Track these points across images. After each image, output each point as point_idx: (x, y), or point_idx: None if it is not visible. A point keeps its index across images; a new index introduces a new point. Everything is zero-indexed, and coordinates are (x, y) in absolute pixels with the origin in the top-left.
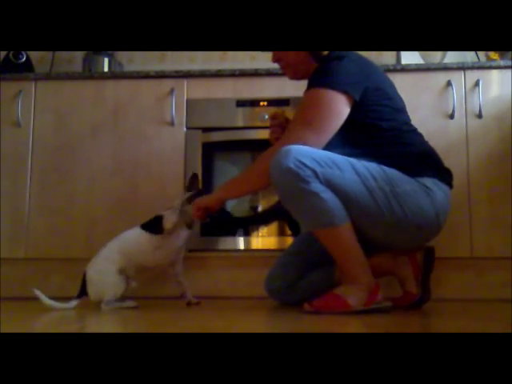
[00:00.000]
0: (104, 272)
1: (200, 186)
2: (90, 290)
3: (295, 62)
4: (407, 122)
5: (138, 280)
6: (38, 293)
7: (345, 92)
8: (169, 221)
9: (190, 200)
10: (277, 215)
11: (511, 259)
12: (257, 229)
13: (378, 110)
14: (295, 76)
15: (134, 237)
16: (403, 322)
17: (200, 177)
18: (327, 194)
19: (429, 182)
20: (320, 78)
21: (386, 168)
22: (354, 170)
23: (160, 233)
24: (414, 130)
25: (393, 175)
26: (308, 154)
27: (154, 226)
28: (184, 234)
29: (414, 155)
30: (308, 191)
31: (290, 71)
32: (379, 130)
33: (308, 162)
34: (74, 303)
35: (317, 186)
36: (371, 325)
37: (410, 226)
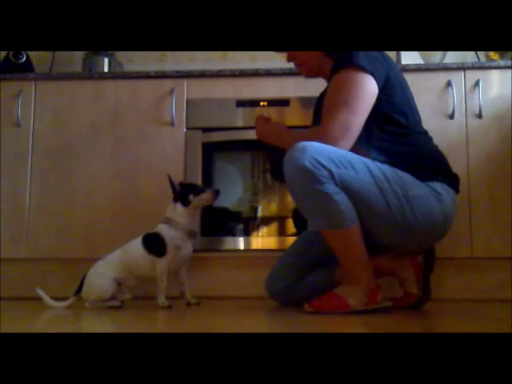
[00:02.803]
0: (101, 275)
1: (176, 183)
2: (84, 287)
3: (308, 60)
4: (419, 122)
5: (133, 291)
6: (40, 292)
7: (372, 74)
8: (159, 265)
9: (187, 194)
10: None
11: (511, 259)
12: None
13: (394, 101)
14: (309, 74)
15: (134, 250)
16: (403, 322)
17: (200, 177)
18: (340, 196)
19: (438, 186)
20: (349, 59)
21: (398, 171)
22: (368, 171)
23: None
24: (426, 133)
25: (405, 179)
26: (325, 152)
27: (151, 244)
28: (187, 247)
29: (426, 158)
30: (321, 192)
31: (304, 70)
32: (394, 124)
33: (325, 162)
34: (70, 300)
35: (331, 188)
36: (371, 325)
37: (419, 229)
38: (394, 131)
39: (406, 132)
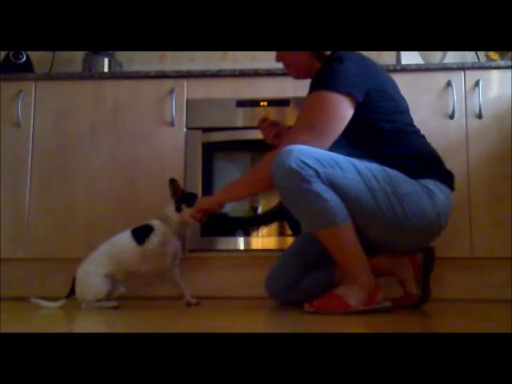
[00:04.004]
0: (90, 273)
1: (182, 188)
2: (77, 289)
3: (297, 61)
4: (410, 123)
5: (126, 285)
6: (34, 300)
7: (348, 94)
8: (151, 245)
9: (183, 202)
10: (277, 216)
11: (511, 259)
12: (257, 230)
13: (380, 111)
14: (298, 75)
15: (123, 243)
16: (403, 322)
17: (200, 177)
18: (329, 194)
19: (430, 183)
20: (322, 81)
21: (388, 169)
22: (356, 170)
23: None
24: (417, 132)
25: (395, 176)
26: (310, 153)
27: (141, 235)
28: (175, 245)
29: (416, 157)
30: (310, 191)
31: (292, 70)
32: (381, 132)
33: (310, 162)
34: (61, 302)
35: (319, 186)
36: (371, 325)
37: (411, 227)
38: (381, 136)
39: (394, 135)
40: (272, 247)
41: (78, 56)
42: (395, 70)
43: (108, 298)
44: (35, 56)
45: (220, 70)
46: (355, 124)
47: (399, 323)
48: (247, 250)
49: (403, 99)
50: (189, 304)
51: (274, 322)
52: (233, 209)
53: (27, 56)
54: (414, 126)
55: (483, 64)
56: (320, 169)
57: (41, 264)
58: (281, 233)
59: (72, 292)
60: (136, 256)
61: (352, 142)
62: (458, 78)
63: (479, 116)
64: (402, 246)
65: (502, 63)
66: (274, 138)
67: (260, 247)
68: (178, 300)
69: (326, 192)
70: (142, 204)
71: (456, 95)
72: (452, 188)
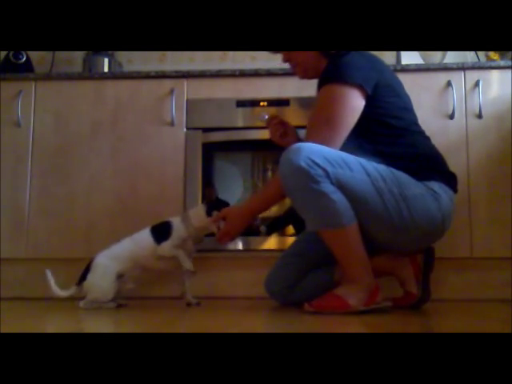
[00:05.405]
0: (107, 270)
1: (216, 195)
2: (89, 278)
3: (304, 61)
4: (415, 122)
5: (136, 282)
6: (48, 275)
7: (358, 86)
8: (162, 249)
9: (215, 208)
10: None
11: (511, 259)
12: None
13: (387, 106)
14: (305, 75)
15: (142, 239)
16: (403, 322)
17: (200, 177)
18: (337, 195)
19: (436, 186)
20: (332, 74)
21: (394, 170)
22: (364, 170)
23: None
24: (422, 133)
25: (402, 178)
26: (320, 152)
27: (159, 233)
28: (190, 245)
29: (422, 158)
30: (318, 191)
31: (299, 71)
32: (388, 128)
33: (320, 161)
34: (71, 290)
35: (327, 187)
36: (371, 325)
37: (416, 229)
38: (388, 134)
39: (401, 133)
40: (272, 247)
41: (78, 56)
42: (395, 70)
43: (115, 294)
44: (35, 56)
45: (220, 70)
46: (363, 118)
47: (399, 323)
48: (247, 249)
49: (408, 97)
50: (189, 304)
51: (273, 322)
52: None
53: (27, 56)
54: (419, 126)
55: (483, 64)
56: (329, 169)
57: (41, 264)
58: (281, 233)
59: (83, 278)
60: (151, 253)
61: (362, 134)
62: (458, 78)
63: (479, 116)
64: (406, 246)
65: (502, 63)
66: (279, 137)
67: (260, 247)
68: (178, 300)
69: (334, 193)
70: (141, 204)
71: (456, 95)
72: (455, 190)
